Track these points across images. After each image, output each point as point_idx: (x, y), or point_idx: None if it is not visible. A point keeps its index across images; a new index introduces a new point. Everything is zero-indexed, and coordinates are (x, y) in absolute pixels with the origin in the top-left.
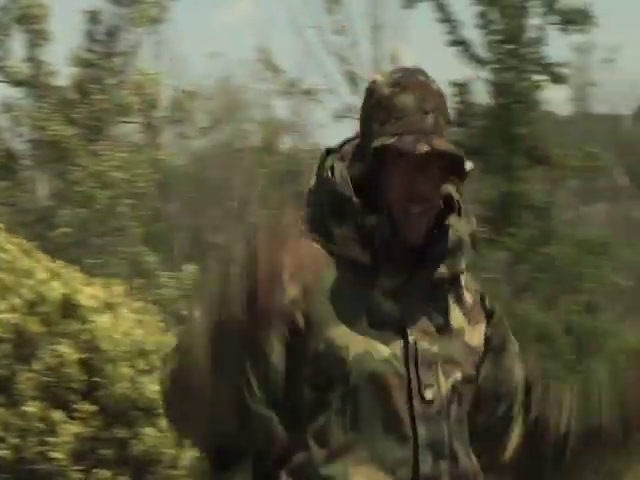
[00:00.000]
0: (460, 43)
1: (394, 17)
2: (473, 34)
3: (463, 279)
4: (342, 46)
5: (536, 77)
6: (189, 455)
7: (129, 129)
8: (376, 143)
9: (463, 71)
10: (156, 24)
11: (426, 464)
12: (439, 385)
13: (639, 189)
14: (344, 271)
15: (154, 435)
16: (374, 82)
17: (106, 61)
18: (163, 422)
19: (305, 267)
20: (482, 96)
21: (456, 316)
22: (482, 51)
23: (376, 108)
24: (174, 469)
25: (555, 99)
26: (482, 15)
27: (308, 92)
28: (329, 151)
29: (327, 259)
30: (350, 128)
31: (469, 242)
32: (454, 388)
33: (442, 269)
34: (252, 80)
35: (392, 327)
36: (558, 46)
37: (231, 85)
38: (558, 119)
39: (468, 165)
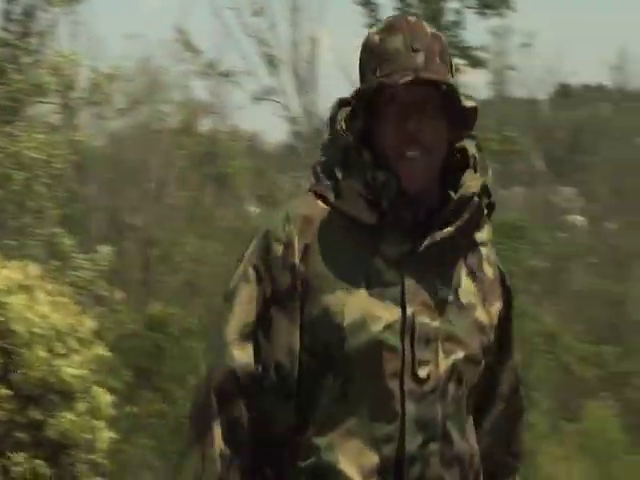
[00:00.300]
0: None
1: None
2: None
3: (485, 250)
4: (261, 28)
5: (454, 61)
6: (106, 438)
7: (46, 110)
8: (362, 86)
9: None
10: (73, 4)
11: (413, 443)
12: (437, 363)
13: (555, 173)
14: (348, 231)
15: (70, 418)
16: (367, 34)
17: (22, 41)
18: (80, 405)
19: (308, 231)
20: None
21: (468, 290)
22: None
23: (368, 57)
24: (91, 452)
25: (473, 83)
26: None
27: (227, 74)
28: (342, 102)
29: (332, 219)
30: (269, 109)
31: (477, 201)
32: (454, 367)
33: (447, 230)
34: (171, 61)
35: (391, 297)
36: (476, 30)
37: (150, 66)
38: (476, 103)
39: (468, 102)
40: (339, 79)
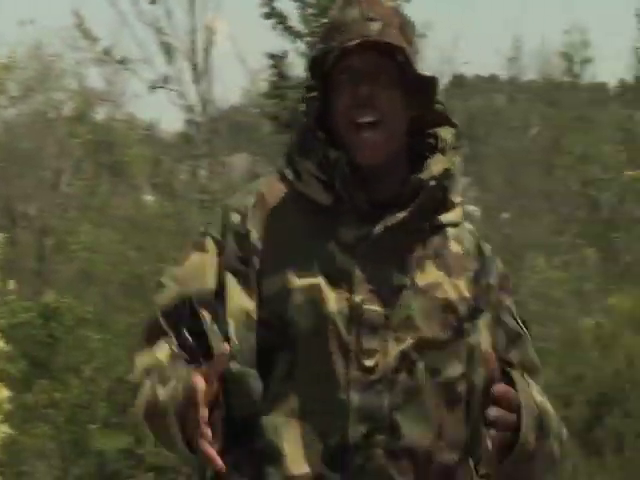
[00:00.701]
0: (275, 15)
1: None
2: (289, 7)
3: (453, 231)
4: (157, 16)
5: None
6: (1, 432)
7: None
8: (312, 55)
9: (281, 44)
10: None
11: (357, 433)
12: (386, 352)
13: None
14: (306, 213)
15: None
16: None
17: None
18: None
19: (267, 210)
20: (298, 69)
21: (428, 271)
22: (297, 24)
23: (325, 31)
24: None
25: None
26: None
27: (122, 61)
28: (310, 88)
29: (292, 200)
30: (166, 98)
31: (432, 185)
32: (404, 356)
33: (399, 215)
34: (65, 48)
35: (342, 283)
36: None
37: (43, 53)
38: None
39: (425, 72)
40: (236, 67)
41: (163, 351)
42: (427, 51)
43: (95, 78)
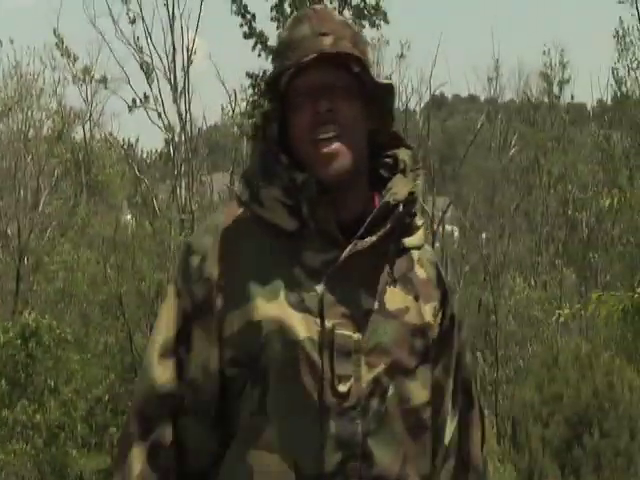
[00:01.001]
0: (254, 35)
1: (190, 7)
2: (268, 26)
3: (417, 253)
4: (136, 35)
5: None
6: None
7: None
8: (267, 76)
9: (260, 63)
10: None
11: (332, 461)
12: (359, 377)
13: (429, 182)
14: (270, 239)
15: None
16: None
17: None
18: None
19: (227, 242)
20: None
21: (397, 295)
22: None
23: (277, 51)
24: None
25: None
26: (277, 8)
27: (102, 80)
28: (264, 113)
29: (253, 227)
30: (145, 118)
31: (400, 209)
32: (376, 381)
33: (368, 239)
34: (44, 67)
35: (310, 309)
36: None
37: (22, 72)
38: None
39: (382, 80)
40: (216, 87)
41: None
42: (406, 71)
43: (74, 97)
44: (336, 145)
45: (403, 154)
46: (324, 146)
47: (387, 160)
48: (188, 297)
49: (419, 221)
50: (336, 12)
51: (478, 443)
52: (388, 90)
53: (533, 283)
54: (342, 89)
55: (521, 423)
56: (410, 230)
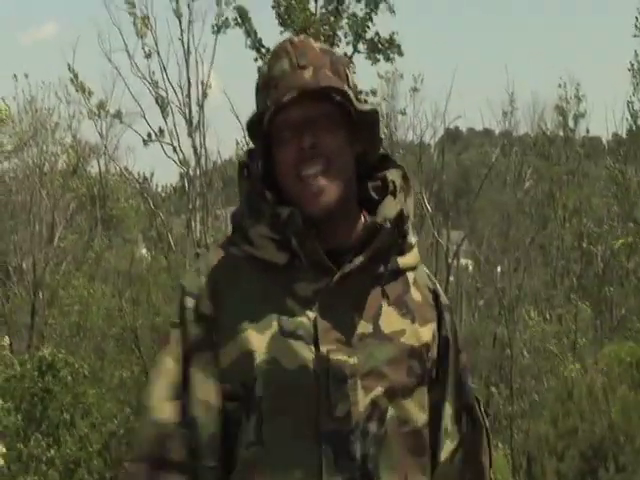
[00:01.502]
0: None
1: (205, 42)
2: None
3: (412, 274)
4: (152, 70)
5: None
6: None
7: None
8: (249, 118)
9: None
10: None
11: None
12: (356, 401)
13: (443, 216)
14: (262, 274)
15: None
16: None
17: None
18: None
19: (219, 280)
20: None
21: (392, 318)
22: None
23: (259, 89)
24: None
25: None
26: None
27: (116, 115)
28: (249, 151)
29: (244, 263)
30: (160, 152)
31: (387, 228)
32: (374, 405)
33: (357, 260)
34: (59, 102)
35: (304, 337)
36: (365, 74)
37: (37, 107)
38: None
39: (364, 106)
40: (230, 121)
41: None
42: (420, 105)
43: (89, 132)
44: (322, 181)
45: (393, 175)
46: (310, 182)
47: (377, 183)
48: (185, 338)
49: (412, 239)
50: (313, 40)
51: (486, 464)
52: (372, 115)
53: (548, 317)
54: (325, 121)
55: (536, 457)
56: (403, 250)
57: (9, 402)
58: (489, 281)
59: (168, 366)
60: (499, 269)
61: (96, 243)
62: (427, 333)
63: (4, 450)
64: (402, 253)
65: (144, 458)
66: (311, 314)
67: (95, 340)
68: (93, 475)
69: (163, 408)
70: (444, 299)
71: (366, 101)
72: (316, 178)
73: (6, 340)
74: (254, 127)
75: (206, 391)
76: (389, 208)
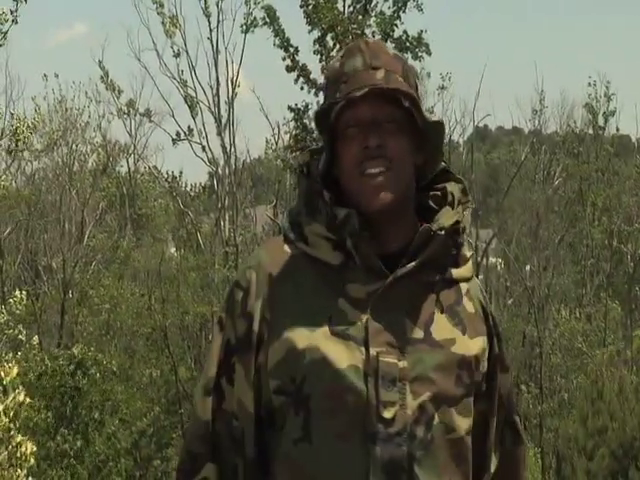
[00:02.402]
0: (297, 68)
1: (234, 41)
2: (311, 59)
3: (465, 286)
4: (181, 69)
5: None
6: None
7: None
8: (319, 108)
9: (303, 96)
10: None
11: None
12: (404, 404)
13: (472, 214)
14: (315, 273)
15: None
16: (327, 66)
17: None
18: None
19: (271, 276)
20: None
21: (444, 326)
22: (319, 77)
23: (329, 83)
24: None
25: None
26: (319, 41)
27: (146, 114)
28: (312, 152)
29: (298, 261)
30: (189, 151)
31: (442, 235)
32: (422, 409)
33: (410, 265)
34: (89, 101)
35: (355, 338)
36: None
37: (67, 106)
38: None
39: (432, 117)
40: (259, 120)
41: None
42: (449, 103)
43: (119, 131)
44: (383, 179)
45: (452, 187)
46: (371, 179)
47: (436, 193)
48: (232, 330)
49: (468, 253)
50: (387, 46)
51: (527, 479)
52: (437, 127)
53: (577, 315)
54: (391, 125)
55: (566, 456)
56: (458, 261)
57: (40, 400)
58: (518, 280)
59: (211, 361)
60: (528, 268)
61: (125, 242)
62: (477, 345)
63: (34, 449)
64: (457, 265)
65: (187, 454)
66: (363, 316)
67: (125, 339)
68: (122, 474)
69: (203, 405)
70: (494, 316)
71: (431, 113)
72: (377, 176)
73: (35, 339)
74: (322, 119)
75: (243, 391)
76: (446, 217)
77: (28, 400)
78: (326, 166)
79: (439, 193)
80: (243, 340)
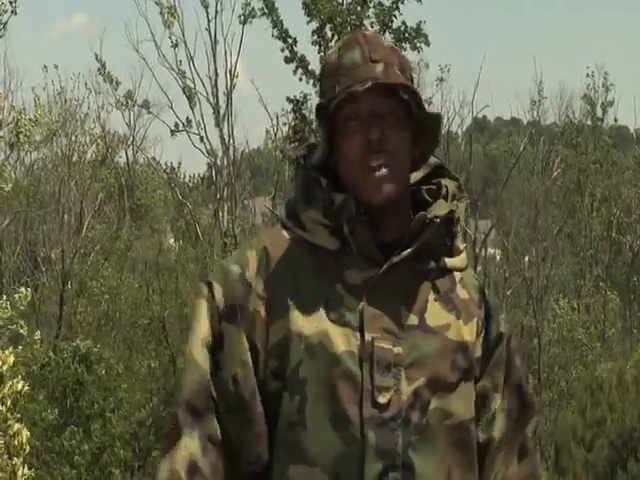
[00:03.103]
0: (296, 59)
1: (233, 31)
2: (310, 50)
3: (459, 275)
4: (179, 60)
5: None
6: (21, 475)
7: None
8: (321, 102)
9: (301, 87)
10: None
11: (372, 471)
12: (399, 389)
13: (471, 205)
14: (312, 258)
15: None
16: (326, 55)
17: None
18: None
19: (270, 259)
20: None
21: (438, 312)
22: (318, 68)
23: (327, 75)
24: None
25: None
26: (317, 32)
27: (144, 105)
28: (310, 145)
29: (296, 247)
30: (187, 142)
31: (436, 223)
32: (416, 394)
33: (405, 252)
34: (89, 92)
35: (351, 323)
36: None
37: (66, 97)
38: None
39: (431, 111)
40: (258, 111)
41: (182, 463)
42: (448, 94)
43: (117, 122)
44: (386, 172)
45: (448, 183)
46: (374, 172)
47: (431, 187)
48: (222, 298)
49: (461, 245)
50: (384, 38)
51: (532, 436)
52: (435, 119)
53: (576, 306)
54: (392, 118)
55: (564, 447)
56: (452, 251)
57: (40, 391)
58: (517, 271)
59: (203, 322)
60: (527, 259)
61: (124, 233)
62: (470, 331)
63: (29, 435)
64: (451, 255)
65: (187, 407)
66: (359, 302)
67: (124, 330)
68: (120, 465)
69: (205, 360)
70: (492, 298)
71: (430, 105)
72: (380, 168)
73: (37, 334)
74: (322, 111)
75: (241, 350)
76: (440, 208)
77: (26, 388)
78: (323, 158)
79: (434, 187)
80: (239, 305)
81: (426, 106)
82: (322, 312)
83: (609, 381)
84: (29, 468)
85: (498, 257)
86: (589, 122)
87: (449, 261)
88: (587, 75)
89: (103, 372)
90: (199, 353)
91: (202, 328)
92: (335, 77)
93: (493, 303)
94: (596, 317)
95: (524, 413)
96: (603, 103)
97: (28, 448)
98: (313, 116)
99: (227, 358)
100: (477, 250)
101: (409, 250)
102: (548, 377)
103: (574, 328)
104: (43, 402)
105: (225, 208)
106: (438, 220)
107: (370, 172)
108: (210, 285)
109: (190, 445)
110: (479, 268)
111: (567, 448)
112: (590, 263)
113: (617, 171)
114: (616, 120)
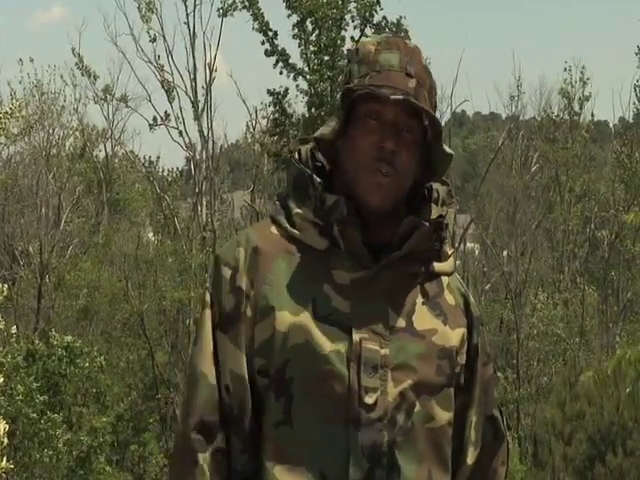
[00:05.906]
0: (277, 53)
1: (212, 25)
2: (290, 44)
3: (446, 279)
4: (157, 54)
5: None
6: None
7: None
8: (351, 86)
9: (281, 81)
10: None
11: (358, 471)
12: (385, 391)
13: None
14: (301, 257)
15: None
16: (360, 43)
17: None
18: None
19: (258, 256)
20: (299, 106)
21: (425, 317)
22: (298, 61)
23: (359, 64)
24: None
25: None
26: (298, 26)
27: (122, 99)
28: (301, 140)
29: (285, 244)
30: (165, 135)
31: (426, 226)
32: (402, 396)
33: (394, 254)
34: (65, 85)
35: (339, 324)
36: None
37: (43, 90)
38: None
39: (447, 148)
40: (237, 105)
41: None
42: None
43: (95, 116)
44: (388, 180)
45: (438, 187)
46: (378, 176)
47: (422, 192)
48: (217, 307)
49: (449, 250)
50: (421, 54)
51: (502, 475)
52: (447, 159)
53: (555, 300)
54: (408, 136)
55: (543, 441)
56: (440, 256)
57: (30, 378)
58: (495, 265)
59: (207, 333)
60: (505, 253)
61: (102, 226)
62: (456, 337)
63: (7, 427)
64: (439, 260)
65: (199, 423)
66: (347, 302)
67: (102, 324)
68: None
69: (213, 374)
70: (475, 308)
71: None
72: (384, 176)
73: (13, 329)
74: (349, 94)
75: (234, 362)
76: (430, 212)
77: (1, 380)
78: (333, 135)
79: (425, 192)
80: (231, 316)
81: (444, 145)
82: (310, 311)
83: (587, 375)
84: (7, 460)
85: (477, 251)
86: (567, 116)
87: (437, 266)
88: (564, 69)
89: (87, 365)
90: (208, 368)
91: (208, 341)
92: (367, 68)
93: (476, 314)
94: (574, 311)
95: (494, 444)
96: (580, 98)
97: (6, 440)
98: (293, 109)
99: (222, 368)
100: (456, 244)
101: (398, 252)
102: (527, 371)
103: (553, 322)
104: (33, 391)
105: (204, 202)
106: (427, 224)
107: (375, 172)
108: (207, 297)
109: (207, 465)
110: (458, 262)
111: (546, 442)
112: (568, 257)
113: (595, 166)
114: (593, 115)
